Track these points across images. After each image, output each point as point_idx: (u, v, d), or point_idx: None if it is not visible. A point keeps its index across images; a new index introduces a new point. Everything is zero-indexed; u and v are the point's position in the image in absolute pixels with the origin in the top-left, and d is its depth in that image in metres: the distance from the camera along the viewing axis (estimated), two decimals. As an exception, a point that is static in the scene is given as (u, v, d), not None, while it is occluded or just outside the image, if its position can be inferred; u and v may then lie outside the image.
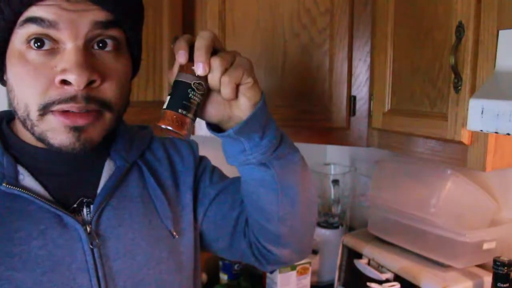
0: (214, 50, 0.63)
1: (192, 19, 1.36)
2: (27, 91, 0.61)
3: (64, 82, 0.59)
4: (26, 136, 0.68)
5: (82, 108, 0.61)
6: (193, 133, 1.38)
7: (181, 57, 0.62)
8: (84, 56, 0.60)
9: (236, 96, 0.64)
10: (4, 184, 0.64)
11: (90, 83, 0.60)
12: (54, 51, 0.60)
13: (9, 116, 0.73)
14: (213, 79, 0.62)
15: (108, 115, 0.65)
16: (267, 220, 0.76)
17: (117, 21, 0.63)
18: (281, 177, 0.72)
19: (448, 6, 0.91)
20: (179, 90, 0.62)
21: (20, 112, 0.62)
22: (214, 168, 0.87)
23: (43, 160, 0.68)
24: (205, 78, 0.63)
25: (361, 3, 1.21)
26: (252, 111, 0.65)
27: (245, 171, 0.74)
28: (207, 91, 0.64)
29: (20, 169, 0.67)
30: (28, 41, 0.60)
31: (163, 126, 0.62)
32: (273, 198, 0.74)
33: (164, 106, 0.62)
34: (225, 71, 0.62)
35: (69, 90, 0.60)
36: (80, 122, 0.61)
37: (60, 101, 0.60)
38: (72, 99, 0.60)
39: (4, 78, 0.65)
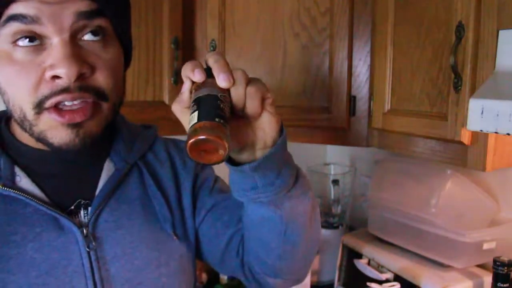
0: None
1: (192, 19, 1.36)
2: (19, 91, 0.60)
3: (55, 77, 0.59)
4: (23, 137, 0.67)
5: (76, 97, 0.60)
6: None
7: (199, 74, 0.56)
8: (72, 49, 0.59)
9: (261, 111, 0.58)
10: (0, 186, 0.63)
11: (80, 75, 0.59)
12: (41, 48, 0.59)
13: (7, 116, 0.72)
14: (238, 92, 0.56)
15: (105, 106, 0.64)
16: (266, 254, 0.74)
17: (101, 9, 0.61)
18: (288, 219, 0.68)
19: (448, 6, 0.91)
20: (207, 103, 0.54)
21: (17, 114, 0.62)
22: (216, 179, 0.85)
23: (40, 161, 0.68)
24: (228, 92, 0.56)
25: (361, 3, 1.21)
26: (275, 137, 0.60)
27: (252, 208, 0.69)
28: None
29: (17, 170, 0.66)
30: (14, 40, 0.58)
31: (202, 137, 0.50)
32: (275, 237, 0.70)
33: (194, 121, 0.52)
34: (248, 84, 0.57)
35: (60, 83, 0.59)
36: (78, 118, 0.61)
37: (52, 94, 0.59)
38: (65, 90, 0.59)
39: None
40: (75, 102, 0.60)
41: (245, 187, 0.63)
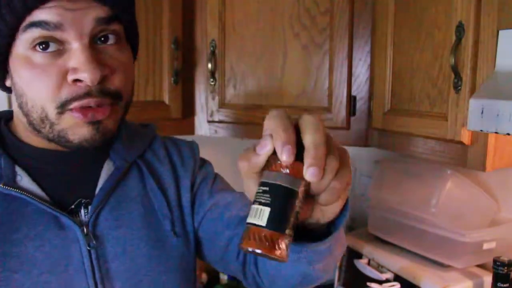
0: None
1: (192, 19, 1.36)
2: (40, 93, 0.60)
3: (77, 80, 0.60)
4: (25, 136, 0.68)
5: (98, 102, 0.61)
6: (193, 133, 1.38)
7: (287, 156, 0.45)
8: (92, 54, 0.60)
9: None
10: (1, 185, 0.63)
11: (102, 78, 0.61)
12: (59, 52, 0.60)
13: (7, 116, 0.72)
14: (322, 185, 0.46)
15: (121, 104, 0.66)
16: (282, 280, 0.70)
17: (117, 15, 0.63)
18: (317, 272, 0.63)
19: (448, 6, 0.91)
20: (282, 203, 0.45)
21: (36, 115, 0.62)
22: (216, 176, 0.84)
23: (41, 160, 0.68)
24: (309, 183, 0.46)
25: (361, 3, 1.21)
26: (338, 223, 0.55)
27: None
28: None
29: (18, 170, 0.66)
30: (33, 45, 0.59)
31: (260, 252, 0.44)
32: (296, 275, 0.65)
33: (260, 221, 0.44)
34: (335, 174, 0.47)
35: (82, 87, 0.60)
36: (99, 117, 0.62)
37: (76, 98, 0.60)
38: (87, 94, 0.60)
39: (7, 84, 0.65)
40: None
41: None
